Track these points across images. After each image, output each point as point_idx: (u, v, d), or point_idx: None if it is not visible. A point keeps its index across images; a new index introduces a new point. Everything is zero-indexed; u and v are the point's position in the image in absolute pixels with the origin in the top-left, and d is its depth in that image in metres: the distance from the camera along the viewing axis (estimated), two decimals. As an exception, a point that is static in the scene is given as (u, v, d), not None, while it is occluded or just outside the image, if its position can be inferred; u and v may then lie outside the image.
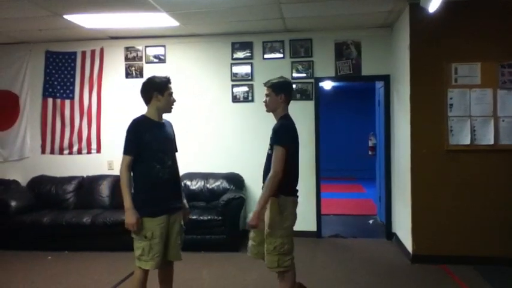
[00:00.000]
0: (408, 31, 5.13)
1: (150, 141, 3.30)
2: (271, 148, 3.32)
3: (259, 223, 3.22)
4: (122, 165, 3.26)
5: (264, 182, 3.32)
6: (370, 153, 7.61)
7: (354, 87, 12.04)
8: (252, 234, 3.47)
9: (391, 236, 6.20)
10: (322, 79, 6.53)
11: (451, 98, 5.03)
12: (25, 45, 6.85)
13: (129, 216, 3.23)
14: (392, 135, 6.23)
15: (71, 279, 4.80)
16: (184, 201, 3.56)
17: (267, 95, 3.46)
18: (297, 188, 3.41)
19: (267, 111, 3.51)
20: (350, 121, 13.17)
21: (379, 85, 6.89)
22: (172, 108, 3.49)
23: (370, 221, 7.38)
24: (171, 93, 3.45)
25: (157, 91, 3.41)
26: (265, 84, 3.54)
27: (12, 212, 5.92)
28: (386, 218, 6.35)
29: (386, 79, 6.31)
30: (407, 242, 5.30)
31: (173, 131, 3.57)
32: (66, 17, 5.40)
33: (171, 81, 3.49)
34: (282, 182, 3.20)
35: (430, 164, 5.08)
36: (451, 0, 4.79)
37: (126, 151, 3.28)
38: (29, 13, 5.24)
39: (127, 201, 3.23)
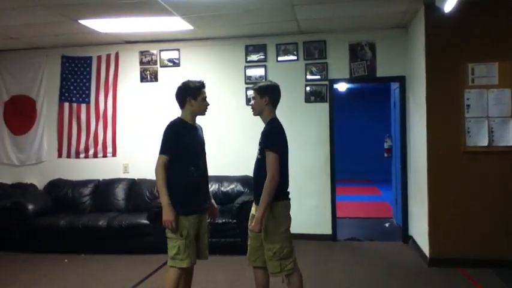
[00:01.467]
0: (424, 31, 5.08)
1: (188, 143, 3.45)
2: (261, 153, 3.34)
3: (262, 228, 3.22)
4: (157, 163, 3.34)
5: (254, 188, 3.40)
6: (385, 155, 7.54)
7: (368, 88, 11.95)
8: (249, 240, 3.48)
9: (407, 239, 6.12)
10: (336, 81, 6.49)
11: (468, 99, 4.95)
12: (41, 51, 6.94)
13: (168, 213, 3.30)
14: (408, 137, 6.16)
15: (87, 282, 4.83)
16: (212, 201, 3.79)
17: (253, 98, 3.50)
18: (288, 190, 3.41)
19: (254, 114, 3.54)
20: (365, 123, 13.08)
21: (395, 86, 6.82)
22: (206, 111, 3.68)
23: (387, 224, 7.30)
24: (205, 97, 3.60)
25: (190, 96, 3.54)
26: (252, 87, 3.59)
27: (29, 215, 5.99)
28: (402, 220, 6.28)
29: (401, 80, 6.24)
30: (424, 245, 5.23)
31: (203, 135, 3.77)
32: (81, 22, 5.46)
33: (205, 85, 3.64)
34: None
35: (447, 166, 5.00)
36: (467, 0, 4.73)
37: (163, 151, 3.38)
38: (44, 19, 5.31)
39: (164, 198, 3.31)
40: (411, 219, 6.09)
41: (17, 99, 7.07)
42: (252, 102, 3.51)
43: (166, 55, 6.75)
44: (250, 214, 3.47)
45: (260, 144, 3.38)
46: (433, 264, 5.00)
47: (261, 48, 6.50)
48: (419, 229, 5.52)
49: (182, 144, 3.40)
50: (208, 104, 3.64)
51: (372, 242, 6.31)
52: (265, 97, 3.40)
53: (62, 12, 5.10)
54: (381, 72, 6.23)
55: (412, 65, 5.85)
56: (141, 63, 6.80)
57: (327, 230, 6.30)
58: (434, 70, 5.04)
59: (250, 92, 6.41)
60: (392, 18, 5.76)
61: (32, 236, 5.92)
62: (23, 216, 5.97)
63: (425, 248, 5.17)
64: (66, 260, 5.56)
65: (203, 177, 3.60)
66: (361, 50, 6.27)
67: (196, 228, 3.45)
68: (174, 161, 3.36)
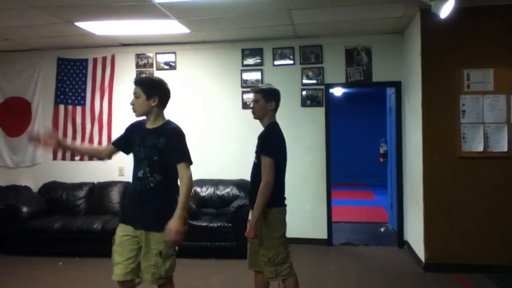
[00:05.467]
0: (420, 37, 5.10)
1: (133, 146, 3.16)
2: (258, 157, 3.30)
3: (256, 234, 3.21)
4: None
5: (250, 192, 3.36)
6: (381, 160, 7.56)
7: (364, 93, 11.99)
8: (248, 244, 3.46)
9: (403, 243, 6.13)
10: (332, 85, 6.50)
11: (463, 105, 4.97)
12: (37, 52, 6.92)
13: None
14: (404, 142, 6.17)
15: (81, 285, 4.80)
16: (172, 221, 2.84)
17: (255, 101, 3.37)
18: (284, 196, 3.39)
19: (255, 118, 3.43)
20: (361, 128, 13.10)
21: (390, 91, 6.84)
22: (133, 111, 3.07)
23: (382, 229, 7.30)
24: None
25: None
26: (253, 89, 3.48)
27: (23, 217, 5.94)
28: (398, 225, 6.28)
29: (397, 85, 6.26)
30: (420, 250, 5.23)
31: (165, 140, 3.04)
32: (77, 24, 5.44)
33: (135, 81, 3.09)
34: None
35: (443, 171, 5.01)
36: (463, 6, 4.75)
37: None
38: (40, 20, 5.29)
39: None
40: (406, 224, 6.09)
41: (12, 101, 7.03)
42: (253, 105, 3.40)
43: (162, 58, 6.74)
44: (248, 220, 3.44)
45: (257, 148, 3.34)
46: (428, 269, 5.01)
47: (258, 52, 6.50)
48: (415, 234, 5.52)
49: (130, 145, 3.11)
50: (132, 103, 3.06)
51: (367, 246, 6.31)
52: (272, 102, 3.35)
53: (57, 14, 5.08)
54: (376, 77, 6.25)
55: (408, 70, 5.87)
56: (137, 66, 6.78)
57: (323, 234, 6.29)
58: (430, 75, 5.06)
59: (247, 96, 6.44)
60: (388, 23, 5.78)
61: (25, 239, 5.87)
62: (16, 218, 5.92)
63: (421, 252, 5.18)
64: (60, 263, 5.52)
65: (147, 190, 2.93)
66: (357, 55, 6.29)
67: (129, 242, 2.98)
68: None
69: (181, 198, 2.85)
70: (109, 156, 3.40)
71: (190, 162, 2.96)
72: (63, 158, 6.88)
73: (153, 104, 2.96)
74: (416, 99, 5.31)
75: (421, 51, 5.08)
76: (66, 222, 5.86)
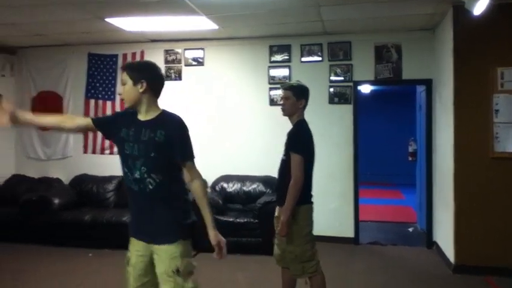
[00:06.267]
0: (452, 34, 4.98)
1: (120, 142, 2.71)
2: (286, 154, 3.30)
3: (288, 232, 3.20)
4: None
5: (277, 189, 3.38)
6: (410, 159, 7.43)
7: (393, 91, 11.79)
8: (276, 240, 3.46)
9: (431, 244, 6.02)
10: (361, 83, 6.42)
11: (496, 104, 4.83)
12: (68, 48, 7.06)
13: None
14: (434, 141, 6.05)
15: (111, 276, 4.89)
16: (212, 231, 2.55)
17: (286, 98, 3.36)
18: (311, 193, 3.39)
19: (284, 115, 3.42)
20: (389, 125, 12.91)
21: (421, 89, 6.72)
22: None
23: (410, 229, 7.18)
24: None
25: None
26: (283, 86, 3.47)
27: (55, 208, 6.10)
28: (427, 225, 6.17)
29: (428, 83, 6.14)
30: (449, 252, 5.13)
31: (165, 134, 2.52)
32: (108, 20, 5.53)
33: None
34: None
35: (474, 171, 4.89)
36: (498, 2, 4.61)
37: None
38: (72, 16, 5.40)
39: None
40: (435, 225, 5.98)
41: (44, 95, 7.21)
42: (283, 102, 3.38)
43: (190, 54, 6.79)
44: (275, 216, 3.45)
45: (286, 145, 3.34)
46: (458, 271, 4.90)
47: (286, 49, 6.47)
48: (444, 235, 5.42)
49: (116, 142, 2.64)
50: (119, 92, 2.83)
51: (395, 246, 6.22)
52: (302, 100, 3.35)
53: (89, 10, 5.17)
54: (406, 74, 6.14)
55: (439, 67, 5.75)
56: (166, 61, 6.85)
57: (349, 233, 6.24)
58: (462, 73, 4.94)
59: (274, 92, 6.43)
60: (419, 20, 5.67)
61: (57, 230, 6.03)
62: (48, 210, 6.08)
63: (450, 254, 5.07)
64: (90, 255, 5.64)
65: (147, 193, 2.45)
66: (387, 52, 6.19)
67: (143, 262, 2.51)
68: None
69: (207, 216, 2.45)
70: (75, 130, 2.88)
71: (194, 158, 2.52)
72: (94, 152, 7.02)
73: (140, 90, 2.45)
74: (447, 97, 5.19)
75: (453, 48, 4.96)
76: (96, 215, 5.98)
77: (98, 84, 7.01)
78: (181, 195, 2.53)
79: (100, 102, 7.00)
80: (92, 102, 7.03)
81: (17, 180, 7.00)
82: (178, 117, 2.53)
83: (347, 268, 5.26)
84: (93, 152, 7.04)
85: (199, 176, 2.51)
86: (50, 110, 7.07)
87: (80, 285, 4.68)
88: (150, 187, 2.43)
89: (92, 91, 7.04)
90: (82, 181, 6.76)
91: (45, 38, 6.60)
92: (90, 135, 7.00)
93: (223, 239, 2.55)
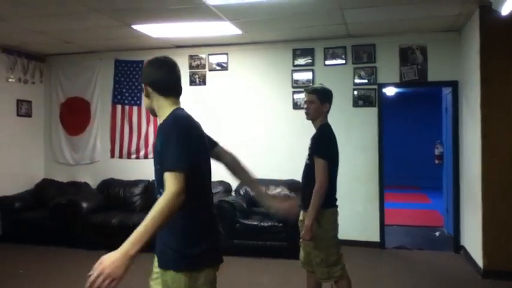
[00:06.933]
0: (478, 35, 4.90)
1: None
2: (310, 158, 3.30)
3: (312, 236, 3.21)
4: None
5: (302, 193, 3.37)
6: (436, 161, 7.33)
7: (419, 93, 11.67)
8: (301, 244, 3.46)
9: (459, 249, 5.91)
10: (385, 85, 6.37)
11: (525, 105, 4.74)
12: (96, 54, 7.23)
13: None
14: (461, 143, 5.95)
15: (137, 279, 4.96)
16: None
17: (310, 102, 3.34)
18: (336, 197, 3.38)
19: (308, 119, 3.40)
20: (414, 128, 12.76)
21: (447, 91, 6.62)
22: None
23: (437, 233, 7.07)
24: None
25: None
26: (307, 90, 3.46)
27: (83, 212, 6.24)
28: (454, 229, 6.07)
29: (454, 85, 6.05)
30: (478, 256, 5.03)
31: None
32: (134, 26, 5.64)
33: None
34: None
35: (503, 174, 4.79)
36: (527, 1, 4.52)
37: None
38: (100, 24, 5.53)
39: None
40: (463, 229, 5.88)
41: (73, 101, 7.38)
42: (306, 105, 3.37)
43: (214, 59, 6.85)
44: (299, 220, 3.45)
45: (309, 149, 3.35)
46: (487, 276, 4.80)
47: (309, 52, 6.48)
48: (473, 239, 5.32)
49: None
50: None
51: (422, 251, 6.13)
52: (326, 104, 3.35)
53: (116, 18, 5.29)
54: (432, 76, 6.07)
55: (465, 69, 5.66)
56: (190, 67, 6.93)
57: (375, 237, 6.18)
58: (489, 75, 4.85)
59: (297, 96, 6.44)
60: (444, 21, 5.60)
61: (85, 233, 6.16)
62: (77, 213, 6.22)
63: (479, 258, 4.98)
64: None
65: None
66: (412, 54, 6.13)
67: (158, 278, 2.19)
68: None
69: (144, 221, 1.86)
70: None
71: (179, 170, 1.92)
72: (121, 156, 7.15)
73: (144, 95, 2.19)
74: (474, 99, 5.11)
75: (480, 49, 4.88)
76: (123, 218, 6.08)
77: (124, 90, 7.15)
78: (183, 218, 2.02)
79: (126, 107, 7.13)
80: (119, 107, 7.17)
81: (47, 184, 7.19)
82: (172, 117, 2.09)
83: (373, 272, 5.21)
84: (120, 156, 7.16)
85: (168, 191, 1.90)
86: (78, 115, 7.29)
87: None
88: None
89: (119, 97, 7.17)
90: (109, 185, 6.89)
91: (74, 45, 6.77)
92: (117, 140, 7.14)
93: (110, 260, 1.86)
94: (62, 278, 5.04)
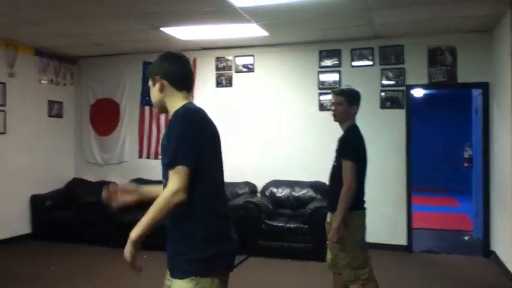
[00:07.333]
0: (510, 36, 4.79)
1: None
2: (337, 160, 3.28)
3: (339, 238, 3.19)
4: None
5: (329, 195, 3.36)
6: (465, 165, 7.19)
7: (448, 94, 11.46)
8: (329, 246, 3.44)
9: (489, 253, 5.78)
10: (413, 86, 6.29)
11: (560, 107, 4.61)
12: (125, 57, 7.37)
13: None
14: (492, 146, 5.82)
15: (162, 278, 5.03)
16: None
17: (338, 104, 3.32)
18: (364, 199, 3.35)
19: (335, 120, 3.38)
20: (443, 130, 12.56)
21: (477, 93, 6.49)
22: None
23: (466, 237, 6.93)
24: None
25: None
26: (335, 92, 3.43)
27: (111, 211, 6.33)
28: (483, 234, 5.94)
29: (484, 87, 5.93)
30: (509, 262, 4.91)
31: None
32: (163, 29, 5.73)
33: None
34: None
35: (536, 178, 4.67)
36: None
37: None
38: (129, 26, 5.65)
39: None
40: (493, 233, 5.74)
41: (103, 102, 7.55)
42: (334, 107, 3.35)
43: (241, 61, 6.89)
44: (326, 222, 3.45)
45: (337, 151, 3.33)
46: (518, 282, 4.69)
47: (335, 54, 6.45)
48: (504, 244, 5.19)
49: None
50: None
51: (450, 255, 6.02)
52: (354, 106, 3.32)
53: (145, 21, 5.39)
54: (462, 77, 5.96)
55: (497, 70, 5.54)
56: (217, 69, 6.99)
57: (402, 240, 6.10)
58: (522, 75, 4.74)
59: (324, 98, 6.42)
60: (475, 22, 5.49)
61: (115, 232, 6.25)
62: (106, 212, 6.31)
63: (510, 264, 4.86)
64: (145, 256, 5.81)
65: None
66: (441, 55, 6.03)
67: None
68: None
69: (146, 215, 1.89)
70: None
71: (181, 164, 1.84)
72: (148, 157, 7.26)
73: (158, 88, 2.08)
74: (506, 100, 4.99)
75: (511, 50, 4.79)
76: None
77: (152, 91, 7.25)
78: (189, 221, 1.94)
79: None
80: (147, 108, 7.28)
81: (77, 183, 7.37)
82: (182, 110, 1.98)
83: (400, 276, 5.15)
84: (148, 156, 7.27)
85: (167, 188, 1.85)
86: (107, 116, 7.45)
87: (131, 285, 4.85)
88: None
89: (147, 98, 7.27)
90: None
91: (103, 48, 6.92)
92: (145, 140, 7.25)
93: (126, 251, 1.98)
94: (92, 275, 5.15)
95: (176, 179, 1.84)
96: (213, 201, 1.97)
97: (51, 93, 7.26)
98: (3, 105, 6.42)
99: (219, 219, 2.00)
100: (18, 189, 6.66)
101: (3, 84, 6.42)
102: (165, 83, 2.06)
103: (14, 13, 5.13)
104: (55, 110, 7.35)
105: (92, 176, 7.45)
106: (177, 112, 1.97)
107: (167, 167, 1.89)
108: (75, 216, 6.50)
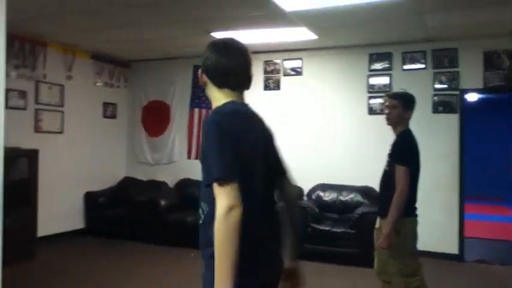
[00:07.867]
0: None
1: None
2: (389, 165, 3.23)
3: (389, 245, 3.14)
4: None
5: (379, 200, 3.31)
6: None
7: (504, 99, 10.98)
8: (376, 253, 3.39)
9: (547, 266, 5.51)
10: (468, 91, 6.09)
11: None
12: (175, 61, 7.56)
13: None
14: (552, 154, 5.54)
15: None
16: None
17: (392, 107, 3.27)
18: (416, 206, 3.27)
19: (388, 124, 3.32)
20: (498, 136, 12.03)
21: (537, 97, 6.20)
22: None
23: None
24: None
25: None
26: (389, 95, 3.40)
27: (161, 210, 6.55)
28: (541, 245, 5.67)
29: (545, 91, 5.66)
30: None
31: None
32: (213, 34, 5.83)
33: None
34: None
35: None
36: None
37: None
38: (182, 32, 5.81)
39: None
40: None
41: (154, 105, 7.78)
42: (388, 110, 3.30)
43: (289, 64, 6.91)
44: (375, 228, 3.40)
45: (389, 155, 3.28)
46: None
47: (386, 57, 6.34)
48: None
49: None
50: None
51: (504, 266, 5.76)
52: (409, 111, 3.28)
53: (197, 26, 5.51)
54: (520, 81, 5.71)
55: (559, 74, 5.27)
56: (265, 72, 7.03)
57: (453, 249, 5.91)
58: None
59: (373, 101, 6.33)
60: (536, 23, 5.26)
61: (163, 229, 6.45)
62: (156, 210, 6.54)
63: None
64: (192, 255, 5.93)
65: (200, 228, 1.78)
66: (498, 58, 5.81)
67: None
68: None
69: (216, 265, 1.51)
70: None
71: (223, 178, 1.53)
72: (196, 158, 7.40)
73: (204, 79, 1.83)
74: None
75: None
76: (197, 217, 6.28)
77: (201, 94, 7.39)
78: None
79: (204, 111, 7.38)
80: (196, 111, 7.43)
81: (128, 182, 7.63)
82: (211, 116, 1.71)
83: (452, 286, 4.99)
84: (196, 157, 7.40)
85: (221, 209, 1.50)
86: (158, 117, 7.68)
87: (180, 282, 4.97)
88: (200, 221, 1.72)
89: (196, 101, 7.44)
90: (185, 185, 7.16)
91: (155, 52, 7.15)
92: (194, 142, 7.41)
93: None
94: (141, 271, 5.31)
95: (224, 195, 1.51)
96: (248, 219, 1.54)
97: (105, 95, 7.57)
98: (61, 106, 6.75)
99: (256, 244, 1.64)
100: (73, 186, 6.97)
101: (62, 86, 6.76)
102: (205, 77, 1.79)
103: (73, 23, 5.46)
104: (109, 111, 7.65)
105: (142, 175, 7.69)
106: (211, 116, 1.67)
107: (207, 184, 1.58)
108: (127, 214, 6.73)
